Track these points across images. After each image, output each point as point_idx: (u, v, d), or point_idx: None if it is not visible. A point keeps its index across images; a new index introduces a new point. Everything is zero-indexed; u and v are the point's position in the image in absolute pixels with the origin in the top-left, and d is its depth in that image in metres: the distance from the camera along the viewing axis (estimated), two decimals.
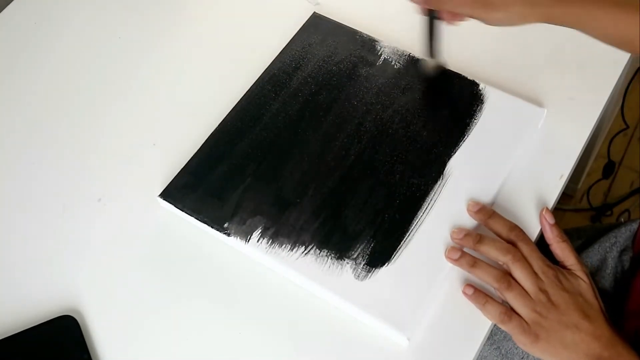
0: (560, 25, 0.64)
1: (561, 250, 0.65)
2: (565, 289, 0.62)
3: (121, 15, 0.87)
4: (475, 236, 0.64)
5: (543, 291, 0.61)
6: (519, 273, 0.62)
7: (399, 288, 0.63)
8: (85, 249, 0.69)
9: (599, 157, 1.49)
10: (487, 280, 0.63)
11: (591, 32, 0.63)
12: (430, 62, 0.74)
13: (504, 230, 0.65)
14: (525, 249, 0.63)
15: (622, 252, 0.78)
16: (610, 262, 0.77)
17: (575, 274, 0.64)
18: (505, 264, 0.63)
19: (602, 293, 0.64)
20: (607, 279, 0.77)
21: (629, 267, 0.76)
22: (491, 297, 0.62)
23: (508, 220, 0.65)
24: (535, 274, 0.62)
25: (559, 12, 0.62)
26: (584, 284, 0.63)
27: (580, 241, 0.82)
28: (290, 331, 0.63)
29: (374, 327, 0.62)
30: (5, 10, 0.87)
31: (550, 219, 0.66)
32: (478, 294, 0.63)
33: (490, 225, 0.65)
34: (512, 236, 0.64)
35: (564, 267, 0.65)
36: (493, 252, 0.63)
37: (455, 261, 0.64)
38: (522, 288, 0.62)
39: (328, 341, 0.63)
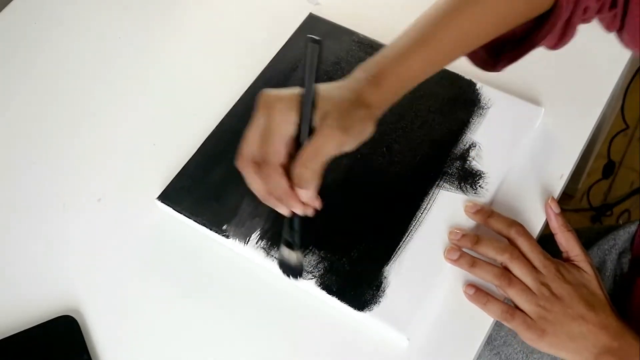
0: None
1: (566, 239, 0.65)
2: (568, 281, 0.61)
3: (121, 15, 0.87)
4: (473, 237, 0.64)
5: (545, 285, 0.61)
6: (518, 270, 0.62)
7: (399, 288, 0.63)
8: (85, 249, 0.69)
9: (599, 157, 1.48)
10: (487, 278, 0.62)
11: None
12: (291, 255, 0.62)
13: (504, 228, 0.64)
14: (525, 245, 0.63)
15: (620, 254, 0.78)
16: (609, 265, 0.77)
17: (578, 266, 0.63)
18: (503, 262, 0.62)
19: None
20: (607, 282, 0.76)
21: (628, 270, 0.76)
22: (492, 296, 0.62)
23: (507, 218, 0.65)
24: (535, 269, 0.62)
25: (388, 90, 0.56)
26: (587, 275, 0.63)
27: None
28: (289, 332, 0.63)
29: (374, 328, 0.62)
30: (5, 10, 0.87)
31: (555, 208, 0.66)
32: (479, 293, 0.62)
33: (490, 224, 0.65)
34: (512, 233, 0.64)
35: (568, 257, 0.65)
36: (490, 252, 0.63)
37: (455, 261, 0.64)
38: (524, 284, 0.61)
39: (328, 342, 0.63)
